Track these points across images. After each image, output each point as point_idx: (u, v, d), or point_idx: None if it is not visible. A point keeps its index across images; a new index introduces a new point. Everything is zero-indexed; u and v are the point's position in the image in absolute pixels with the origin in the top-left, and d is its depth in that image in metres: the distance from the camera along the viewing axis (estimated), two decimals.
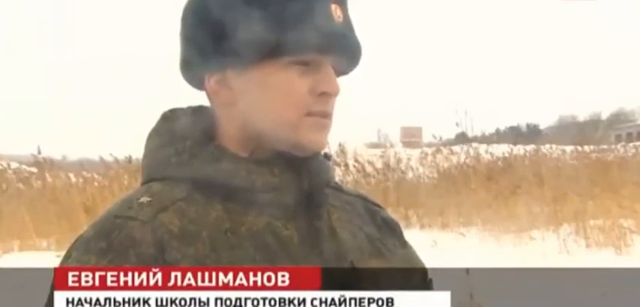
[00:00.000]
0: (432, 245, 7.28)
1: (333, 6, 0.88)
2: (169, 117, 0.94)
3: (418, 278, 1.02)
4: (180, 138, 0.91)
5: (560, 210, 7.55)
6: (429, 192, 9.99)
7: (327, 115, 0.90)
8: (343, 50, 0.90)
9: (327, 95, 0.89)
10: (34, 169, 10.72)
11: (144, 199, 0.85)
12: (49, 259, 6.89)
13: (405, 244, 1.04)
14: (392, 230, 1.03)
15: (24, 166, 11.26)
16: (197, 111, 0.95)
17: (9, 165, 11.32)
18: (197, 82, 0.93)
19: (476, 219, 8.49)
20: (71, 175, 10.28)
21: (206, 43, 0.89)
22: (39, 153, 10.16)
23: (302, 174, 0.90)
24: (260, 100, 0.88)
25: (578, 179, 8.51)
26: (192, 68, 0.93)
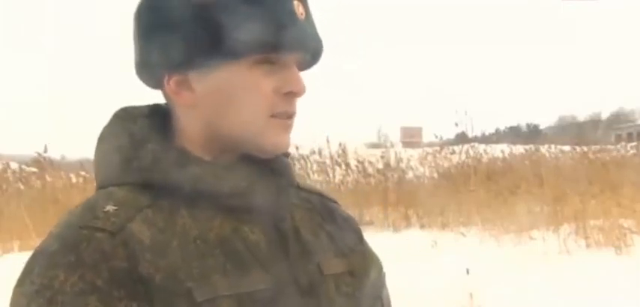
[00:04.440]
0: (432, 245, 7.28)
1: (296, 3, 0.86)
2: (123, 117, 0.89)
3: (375, 273, 1.01)
4: (139, 140, 0.86)
5: (560, 210, 7.55)
6: (429, 192, 9.99)
7: (291, 116, 0.88)
8: (307, 47, 0.88)
9: (292, 94, 0.87)
10: (34, 169, 10.72)
11: (109, 208, 0.80)
12: None
13: (362, 239, 1.03)
14: (351, 226, 1.02)
15: (24, 166, 11.26)
16: (154, 110, 0.91)
17: (9, 165, 11.32)
18: (154, 82, 0.89)
19: (476, 219, 8.49)
20: (71, 175, 10.28)
21: (165, 43, 0.85)
22: (45, 151, 10.16)
23: (268, 176, 0.88)
24: (224, 102, 0.85)
25: (578, 179, 8.50)
26: (150, 68, 0.88)
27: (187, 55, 0.84)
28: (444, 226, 8.60)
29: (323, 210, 0.99)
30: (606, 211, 7.09)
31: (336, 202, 1.04)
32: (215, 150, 0.87)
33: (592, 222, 7.07)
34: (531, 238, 7.22)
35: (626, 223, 6.85)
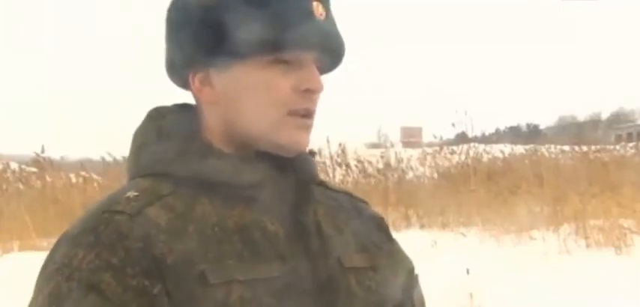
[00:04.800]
0: (432, 245, 7.28)
1: (315, 3, 0.88)
2: (155, 116, 0.94)
3: (405, 273, 1.02)
4: (166, 135, 0.90)
5: (560, 210, 7.55)
6: (429, 192, 9.99)
7: (309, 114, 0.90)
8: (325, 47, 0.90)
9: (310, 92, 0.88)
10: (34, 169, 10.72)
11: (131, 194, 0.85)
12: None
13: (390, 238, 1.04)
14: (378, 225, 1.03)
15: (24, 166, 11.26)
16: (183, 108, 0.94)
17: (9, 165, 11.32)
18: (182, 82, 0.93)
19: (476, 219, 8.49)
20: (71, 175, 10.28)
21: (189, 43, 0.89)
22: (43, 151, 10.16)
23: (287, 170, 0.91)
24: (242, 99, 0.88)
25: (578, 179, 8.50)
26: (177, 68, 0.92)
27: (205, 54, 0.88)
28: (444, 226, 8.59)
29: (350, 207, 1.01)
30: (606, 211, 7.09)
31: (365, 202, 1.05)
32: (236, 145, 0.90)
33: (592, 222, 7.07)
34: (531, 238, 7.22)
35: (626, 223, 6.85)
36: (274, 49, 0.86)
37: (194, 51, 0.88)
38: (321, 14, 0.88)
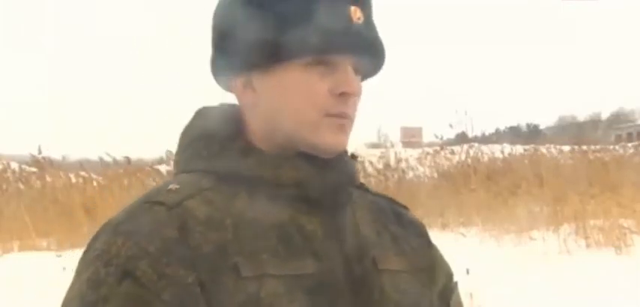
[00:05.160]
0: None
1: (353, 8, 0.90)
2: (201, 114, 0.97)
3: (443, 280, 1.03)
4: (210, 134, 0.93)
5: (560, 210, 7.55)
6: (429, 192, 9.99)
7: (346, 116, 0.91)
8: (360, 51, 0.91)
9: (346, 95, 0.90)
10: (34, 169, 10.72)
11: (172, 186, 0.88)
12: (49, 259, 6.90)
13: (430, 244, 1.05)
14: (417, 230, 1.04)
15: (24, 166, 11.26)
16: (228, 109, 0.97)
17: (9, 165, 11.32)
18: (226, 85, 0.96)
19: (476, 219, 8.49)
20: (71, 175, 10.28)
21: (230, 47, 0.92)
22: (39, 152, 10.17)
23: (327, 171, 0.92)
24: (280, 101, 0.90)
25: (578, 179, 8.51)
26: (220, 71, 0.96)
27: (247, 59, 0.91)
28: (444, 226, 8.59)
29: (389, 211, 1.02)
30: (606, 211, 7.09)
31: (405, 207, 1.07)
32: (276, 146, 0.92)
33: (592, 222, 7.07)
34: (531, 238, 7.22)
35: (626, 223, 6.85)
36: (310, 53, 0.88)
37: (236, 56, 0.92)
38: (358, 18, 0.90)
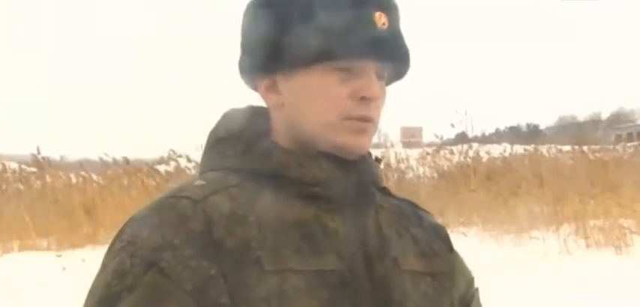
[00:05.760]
0: None
1: (378, 14, 0.91)
2: (229, 116, 0.99)
3: (464, 285, 1.04)
4: (236, 133, 0.95)
5: (560, 210, 7.55)
6: (429, 192, 9.98)
7: (368, 119, 0.93)
8: (382, 56, 0.93)
9: (366, 100, 0.91)
10: (33, 169, 10.72)
11: (198, 183, 0.90)
12: (49, 259, 6.89)
13: (452, 249, 1.05)
14: (439, 234, 1.05)
15: (24, 166, 11.26)
16: (254, 110, 0.99)
17: (9, 165, 11.32)
18: (252, 85, 0.98)
19: (476, 219, 8.50)
20: (71, 175, 10.29)
21: (257, 51, 0.94)
22: (38, 152, 10.17)
23: (350, 171, 0.93)
24: (303, 103, 0.92)
25: (578, 179, 8.51)
26: (246, 71, 0.98)
27: (272, 62, 0.93)
28: (444, 226, 8.59)
29: (411, 214, 1.04)
30: (606, 211, 7.09)
31: (427, 212, 1.08)
32: (300, 146, 0.93)
33: (592, 222, 7.07)
34: (531, 238, 7.22)
35: (626, 223, 6.85)
36: (330, 57, 0.90)
37: (260, 59, 0.94)
38: (383, 24, 0.92)
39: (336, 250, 0.89)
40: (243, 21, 0.98)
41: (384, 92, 0.95)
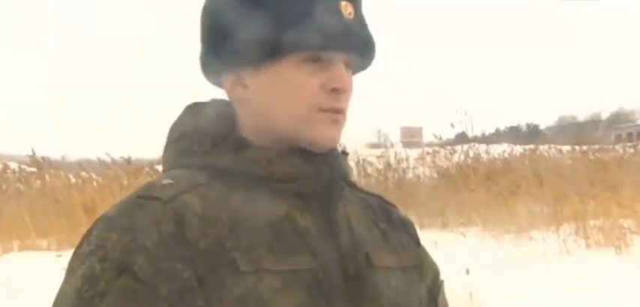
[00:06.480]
0: (432, 245, 7.25)
1: (343, 3, 0.90)
2: (192, 110, 0.96)
3: (431, 278, 1.04)
4: (202, 129, 0.93)
5: (560, 210, 7.54)
6: (429, 192, 9.98)
7: (339, 111, 0.91)
8: (350, 47, 0.91)
9: (337, 91, 0.90)
10: (33, 169, 10.71)
11: (166, 181, 0.87)
12: (49, 259, 6.89)
13: (418, 243, 1.05)
14: (406, 228, 1.05)
15: (23, 166, 11.25)
16: (219, 104, 0.97)
17: (9, 165, 11.31)
18: (216, 81, 0.96)
19: (476, 219, 8.49)
20: (71, 175, 10.28)
21: (220, 44, 0.91)
22: (33, 154, 10.18)
23: (320, 166, 0.92)
24: (272, 97, 0.90)
25: (578, 179, 8.50)
26: (210, 68, 0.96)
27: (235, 56, 0.90)
28: (444, 226, 8.59)
29: (379, 209, 1.02)
30: (606, 211, 7.08)
31: (394, 206, 1.07)
32: (269, 141, 0.92)
33: (592, 222, 7.06)
34: (531, 238, 7.22)
35: (626, 223, 6.84)
36: (300, 49, 0.88)
37: (226, 54, 0.91)
38: (349, 13, 0.90)
39: (309, 248, 0.88)
40: (205, 14, 0.95)
41: (352, 83, 0.94)
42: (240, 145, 0.91)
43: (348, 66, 0.92)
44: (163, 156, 0.97)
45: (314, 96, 0.89)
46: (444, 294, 1.06)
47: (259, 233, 0.86)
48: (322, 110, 0.90)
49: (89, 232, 0.85)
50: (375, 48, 0.95)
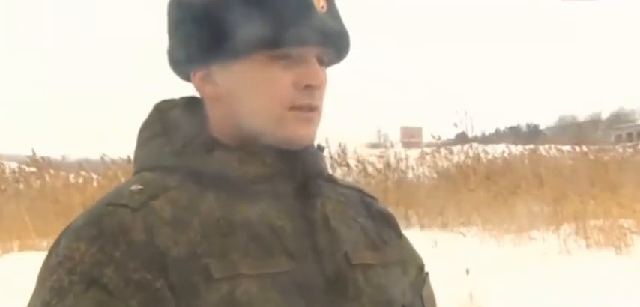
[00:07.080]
0: (432, 245, 7.27)
1: None
2: (162, 109, 0.93)
3: (415, 271, 1.01)
4: (172, 128, 0.89)
5: (560, 210, 7.55)
6: (429, 192, 9.99)
7: (312, 108, 0.88)
8: (325, 42, 0.88)
9: (311, 88, 0.87)
10: (33, 169, 10.72)
11: (135, 187, 0.83)
12: None
13: (400, 235, 1.02)
14: (387, 221, 1.01)
15: (23, 166, 11.26)
16: (189, 102, 0.93)
17: (9, 165, 11.32)
18: (184, 76, 0.93)
19: (476, 219, 8.49)
20: (71, 175, 10.29)
21: (190, 41, 0.88)
22: (33, 154, 10.19)
23: (294, 164, 0.89)
24: (243, 95, 0.87)
25: (578, 179, 8.51)
26: (177, 64, 0.92)
27: (206, 52, 0.87)
28: (444, 226, 8.59)
29: (359, 204, 0.99)
30: (606, 211, 7.09)
31: (374, 198, 1.03)
32: (241, 140, 0.88)
33: (592, 222, 7.07)
34: (531, 238, 7.23)
35: (626, 223, 6.85)
36: (273, 45, 0.85)
37: (195, 48, 0.88)
38: (322, 7, 0.87)
39: (286, 249, 0.84)
40: (171, 7, 0.91)
41: (326, 78, 0.90)
42: (211, 145, 0.87)
43: (321, 61, 0.89)
44: (134, 157, 0.93)
45: (287, 93, 0.86)
46: (429, 286, 1.02)
47: (233, 236, 0.82)
48: (296, 108, 0.87)
49: (57, 242, 0.82)
50: (349, 41, 0.92)
